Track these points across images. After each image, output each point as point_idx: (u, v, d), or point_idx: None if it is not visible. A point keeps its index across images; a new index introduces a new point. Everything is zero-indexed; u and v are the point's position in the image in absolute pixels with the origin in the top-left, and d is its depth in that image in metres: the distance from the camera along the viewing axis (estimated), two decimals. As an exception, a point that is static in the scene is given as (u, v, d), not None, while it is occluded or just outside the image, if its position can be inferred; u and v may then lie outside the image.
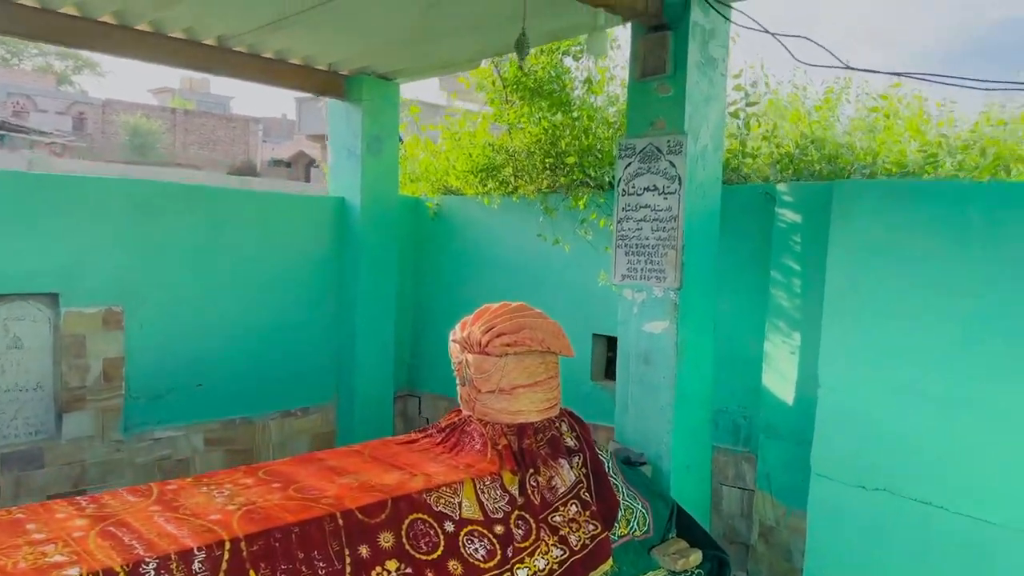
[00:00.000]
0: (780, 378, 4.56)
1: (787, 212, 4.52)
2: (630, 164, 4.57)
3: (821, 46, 4.14)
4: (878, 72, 4.13)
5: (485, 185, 6.70)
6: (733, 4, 4.48)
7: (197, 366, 5.76)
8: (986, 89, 3.84)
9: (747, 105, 5.21)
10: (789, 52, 4.21)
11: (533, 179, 5.96)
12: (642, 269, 4.52)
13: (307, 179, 32.62)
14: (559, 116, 6.13)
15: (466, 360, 3.88)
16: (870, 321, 3.70)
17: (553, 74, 6.22)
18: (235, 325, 5.99)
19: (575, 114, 5.77)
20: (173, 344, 5.63)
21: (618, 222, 4.62)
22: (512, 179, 6.47)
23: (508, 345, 3.77)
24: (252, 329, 6.10)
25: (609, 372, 5.86)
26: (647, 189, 4.48)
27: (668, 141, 4.36)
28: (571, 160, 5.48)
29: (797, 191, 4.52)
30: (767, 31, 4.26)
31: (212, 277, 5.85)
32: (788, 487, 4.45)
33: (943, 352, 3.44)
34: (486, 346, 3.78)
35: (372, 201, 6.66)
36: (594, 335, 5.79)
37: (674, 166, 4.36)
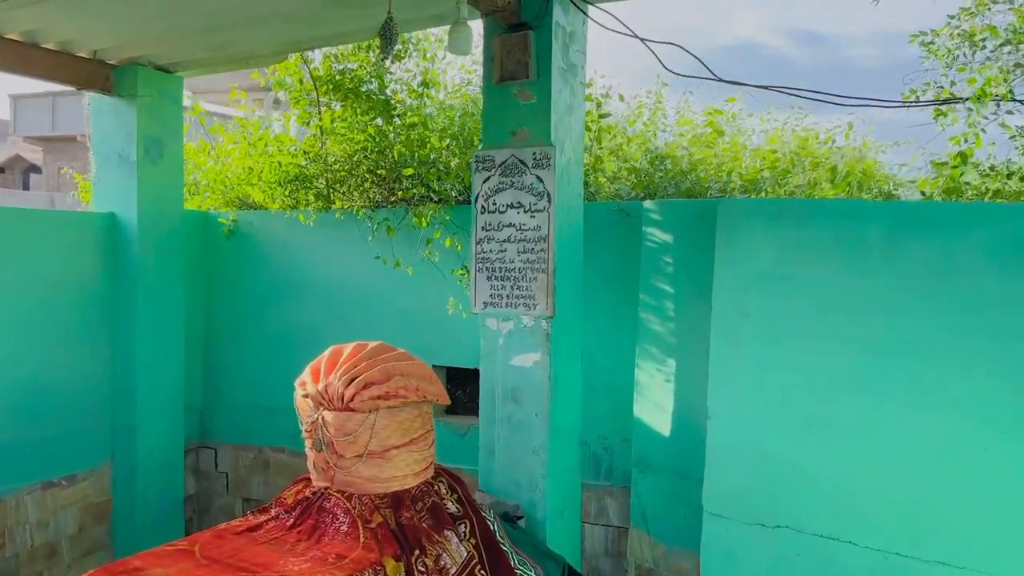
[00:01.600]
0: (654, 408, 4.32)
1: (656, 231, 4.31)
2: (489, 178, 4.10)
3: (692, 54, 3.95)
4: (744, 84, 3.96)
5: (295, 198, 5.87)
6: (592, 2, 4.16)
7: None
8: (848, 106, 3.83)
9: (600, 117, 4.93)
10: (660, 61, 4.00)
11: (360, 193, 5.27)
12: (508, 296, 4.07)
13: (25, 187, 28.50)
14: (382, 122, 5.51)
15: (322, 420, 3.14)
16: (762, 347, 3.55)
17: (373, 74, 5.58)
18: (-30, 381, 4.64)
19: (408, 120, 5.17)
20: None
21: (477, 243, 4.13)
22: (328, 192, 5.73)
23: (379, 398, 3.11)
24: (-5, 384, 4.77)
25: (455, 408, 5.35)
26: (511, 206, 4.04)
27: (534, 153, 3.96)
28: (409, 172, 4.89)
29: (668, 209, 4.33)
30: (636, 36, 4.00)
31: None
32: (668, 525, 4.22)
33: (842, 378, 3.35)
34: (351, 401, 3.09)
35: (152, 217, 5.59)
36: (434, 366, 5.23)
37: (542, 181, 3.96)
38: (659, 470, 4.29)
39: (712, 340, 3.70)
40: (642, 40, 3.96)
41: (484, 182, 4.12)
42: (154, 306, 5.59)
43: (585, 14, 4.14)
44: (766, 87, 3.96)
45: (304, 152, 5.70)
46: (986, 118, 3.91)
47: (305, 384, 3.26)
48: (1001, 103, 4.01)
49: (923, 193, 4.40)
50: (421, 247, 5.01)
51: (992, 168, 3.94)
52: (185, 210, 5.96)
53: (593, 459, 4.79)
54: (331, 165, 5.60)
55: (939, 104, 4.04)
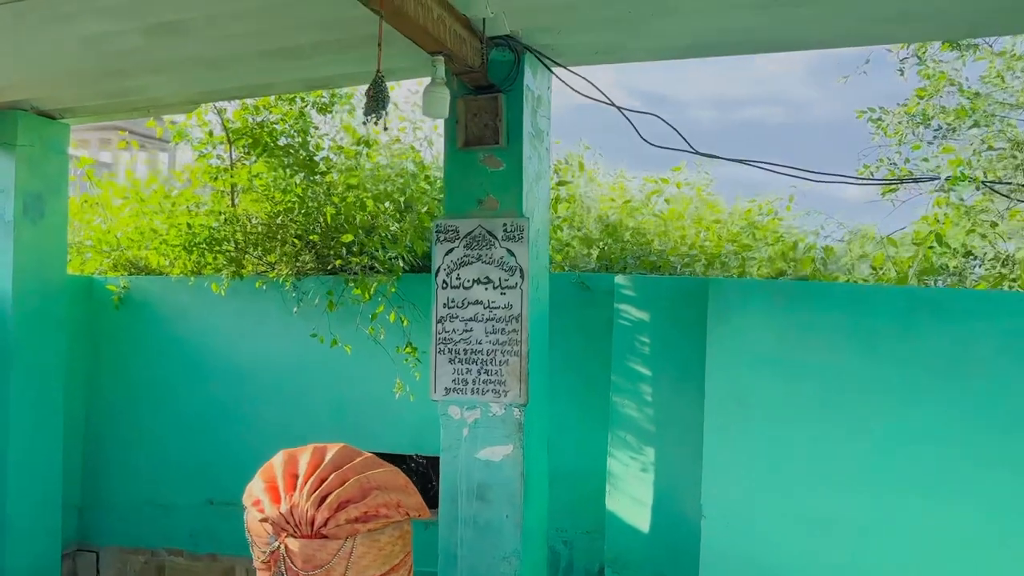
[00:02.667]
0: (631, 501, 4.01)
1: (631, 308, 4.08)
2: (453, 250, 3.75)
3: (670, 125, 3.77)
4: (719, 157, 3.82)
5: (199, 263, 5.25)
6: (554, 68, 3.93)
7: None
8: (827, 182, 3.75)
9: (559, 184, 4.68)
10: (637, 131, 3.79)
11: (288, 259, 4.74)
12: (474, 381, 3.71)
13: None
14: (301, 179, 5.07)
15: (285, 549, 2.59)
16: (763, 439, 3.35)
17: (297, 128, 5.13)
18: None
19: (345, 180, 4.75)
20: None
21: (438, 321, 3.75)
22: (240, 257, 5.15)
23: (357, 520, 2.61)
24: None
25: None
26: (478, 281, 3.70)
27: (505, 225, 3.66)
28: (348, 239, 4.43)
29: (645, 286, 4.13)
30: (614, 104, 3.79)
31: None
32: (648, 630, 3.86)
33: (853, 472, 3.17)
34: (323, 525, 2.57)
35: (29, 285, 4.87)
36: (378, 454, 4.73)
37: (514, 255, 3.66)
38: (637, 570, 3.95)
39: (706, 430, 3.45)
40: (619, 109, 3.75)
41: (447, 254, 3.76)
42: (29, 389, 4.83)
43: (552, 73, 3.92)
44: (742, 161, 3.82)
45: (217, 212, 5.08)
46: (962, 200, 3.96)
47: (261, 504, 2.69)
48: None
49: (874, 268, 4.40)
50: (362, 323, 4.55)
51: (969, 252, 3.98)
52: (67, 275, 5.18)
53: (550, 554, 4.39)
54: (248, 227, 5.02)
55: (910, 182, 4.06)
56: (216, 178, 5.38)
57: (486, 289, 3.65)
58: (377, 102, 2.65)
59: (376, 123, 2.62)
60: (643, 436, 4.05)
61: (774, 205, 5.28)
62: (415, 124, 5.57)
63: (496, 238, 3.65)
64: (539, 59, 3.75)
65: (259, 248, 5.18)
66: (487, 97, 3.65)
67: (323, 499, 2.63)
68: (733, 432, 3.44)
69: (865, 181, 4.31)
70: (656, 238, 4.90)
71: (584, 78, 3.71)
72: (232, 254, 5.15)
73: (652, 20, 3.37)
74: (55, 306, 4.97)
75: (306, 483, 2.70)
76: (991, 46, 4.49)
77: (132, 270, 5.66)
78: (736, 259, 4.52)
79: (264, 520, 2.67)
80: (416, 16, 2.94)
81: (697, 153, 3.82)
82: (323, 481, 2.71)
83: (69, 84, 4.49)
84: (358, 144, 5.05)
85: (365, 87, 2.72)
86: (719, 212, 5.70)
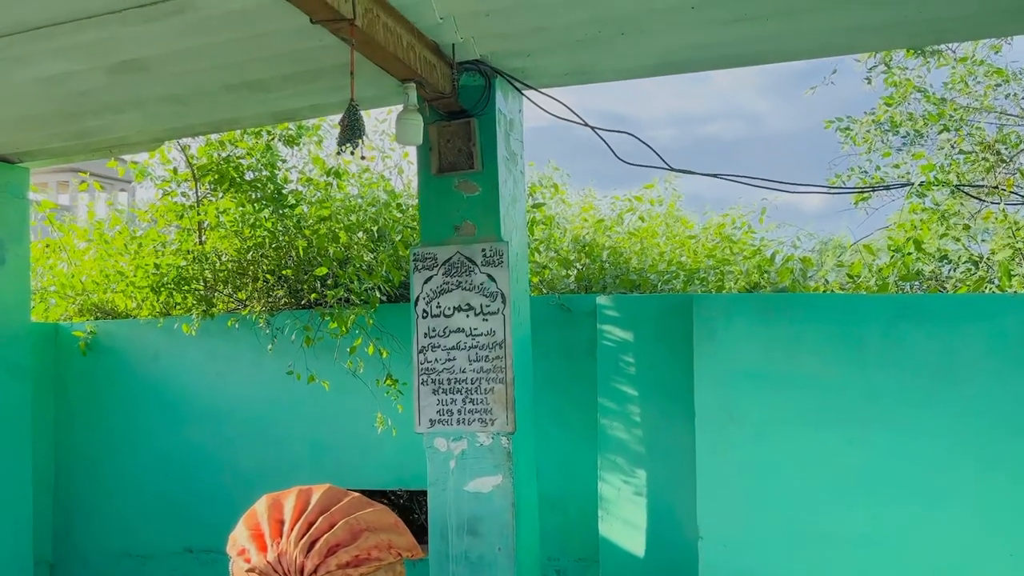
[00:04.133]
0: (625, 525, 3.95)
1: (615, 329, 4.05)
2: (432, 278, 3.70)
3: (646, 144, 3.77)
4: (695, 173, 3.81)
5: (168, 304, 5.12)
6: (525, 91, 3.92)
7: None
8: (801, 192, 3.77)
9: (533, 207, 4.66)
10: (612, 150, 3.78)
11: (261, 296, 4.64)
12: (460, 411, 3.64)
13: None
14: (270, 213, 4.99)
15: (274, 597, 2.46)
16: (756, 455, 3.34)
17: (264, 162, 5.05)
18: None
19: (316, 213, 4.67)
20: None
21: (420, 351, 3.69)
22: (210, 295, 5.04)
23: (348, 565, 2.47)
24: None
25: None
26: (459, 309, 3.65)
27: (484, 250, 3.62)
28: (322, 272, 4.35)
29: (628, 305, 4.12)
30: (587, 124, 3.77)
31: None
32: (650, 658, 3.77)
33: (850, 484, 3.15)
34: (314, 573, 2.43)
35: None
36: (361, 491, 4.60)
37: (494, 280, 3.61)
38: (634, 595, 3.87)
39: (698, 448, 3.41)
40: (593, 129, 3.74)
41: (425, 282, 3.71)
42: (-6, 443, 4.58)
43: (524, 96, 3.90)
44: (717, 175, 3.82)
45: (184, 251, 4.97)
46: (937, 204, 3.99)
47: (247, 553, 2.56)
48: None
49: (851, 277, 4.41)
50: (339, 357, 4.45)
51: (944, 256, 4.01)
52: (32, 323, 5.02)
53: (544, 584, 4.29)
54: (217, 264, 4.92)
55: (882, 189, 4.09)
56: (182, 216, 5.29)
57: (467, 316, 3.60)
58: (353, 131, 2.60)
59: (352, 152, 2.56)
60: (634, 458, 4.00)
61: (747, 218, 5.30)
62: (384, 153, 5.55)
63: (475, 264, 3.61)
64: (510, 82, 3.74)
65: (230, 285, 5.08)
66: (460, 123, 3.62)
67: (312, 544, 2.52)
68: (726, 449, 3.40)
69: (840, 190, 4.33)
70: (633, 256, 4.90)
71: (556, 99, 3.70)
72: (202, 293, 5.04)
73: (621, 40, 3.37)
74: (19, 354, 4.81)
75: (293, 528, 2.59)
76: (954, 52, 4.57)
77: (98, 314, 5.51)
78: (714, 274, 4.51)
79: (251, 570, 2.55)
80: (386, 43, 2.90)
81: (673, 170, 3.81)
82: (311, 525, 2.60)
83: (28, 127, 4.38)
84: (328, 175, 5.00)
85: (333, 117, 2.69)
86: (691, 227, 5.73)
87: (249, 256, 4.92)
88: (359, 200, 5.10)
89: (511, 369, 3.52)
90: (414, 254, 3.69)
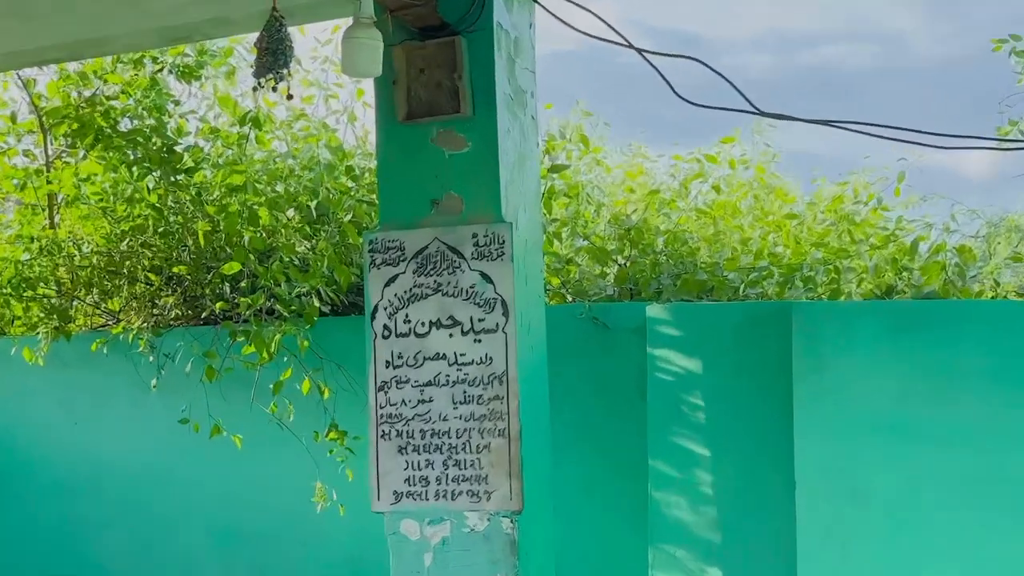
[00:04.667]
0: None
1: (673, 355, 4.20)
2: (396, 278, 3.82)
3: (721, 75, 3.84)
4: (798, 120, 3.84)
5: (5, 318, 5.31)
6: (538, -2, 4.01)
7: None
8: (956, 148, 3.84)
9: (551, 171, 4.75)
10: (670, 85, 3.84)
11: (140, 306, 4.86)
12: (439, 479, 3.69)
13: None
14: (157, 180, 5.11)
15: None
16: (888, 549, 3.47)
17: (148, 104, 5.14)
18: None
19: (223, 180, 4.86)
20: None
21: (380, 389, 3.77)
22: (65, 304, 5.22)
23: None
24: None
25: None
26: (437, 325, 3.75)
27: (476, 236, 3.70)
28: (232, 269, 4.42)
29: (691, 318, 4.24)
30: (630, 45, 3.85)
31: None
32: None
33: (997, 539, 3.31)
34: None
35: None
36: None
37: (491, 281, 3.70)
38: None
39: (800, 535, 3.54)
40: (641, 52, 3.78)
41: (387, 285, 3.77)
42: None
43: (537, 2, 3.95)
44: (831, 123, 3.84)
45: (27, 238, 5.16)
46: None
47: None
48: None
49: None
50: (259, 398, 4.57)
51: None
52: None
53: None
54: (77, 258, 5.03)
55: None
56: (24, 186, 5.41)
57: (451, 336, 3.64)
58: (276, 56, 2.67)
59: (275, 88, 2.60)
60: (703, 551, 4.08)
61: (876, 189, 5.31)
62: (327, 90, 5.61)
63: (463, 257, 3.64)
64: (515, -18, 3.79)
65: (95, 290, 5.21)
66: (439, 43, 3.66)
67: None
68: (843, 538, 3.48)
69: (1018, 143, 4.29)
70: (703, 245, 4.93)
71: (587, 8, 3.73)
72: (53, 301, 5.16)
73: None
74: None
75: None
76: None
77: None
78: (826, 271, 4.58)
79: None
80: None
81: (763, 114, 3.87)
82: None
83: None
84: (242, 124, 5.04)
85: (250, 38, 2.72)
86: (791, 201, 5.71)
87: (124, 246, 5.01)
88: (290, 162, 5.18)
89: (516, 415, 3.55)
90: (370, 242, 3.73)
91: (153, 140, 5.12)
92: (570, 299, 4.79)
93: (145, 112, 5.19)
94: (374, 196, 4.63)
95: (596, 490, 4.37)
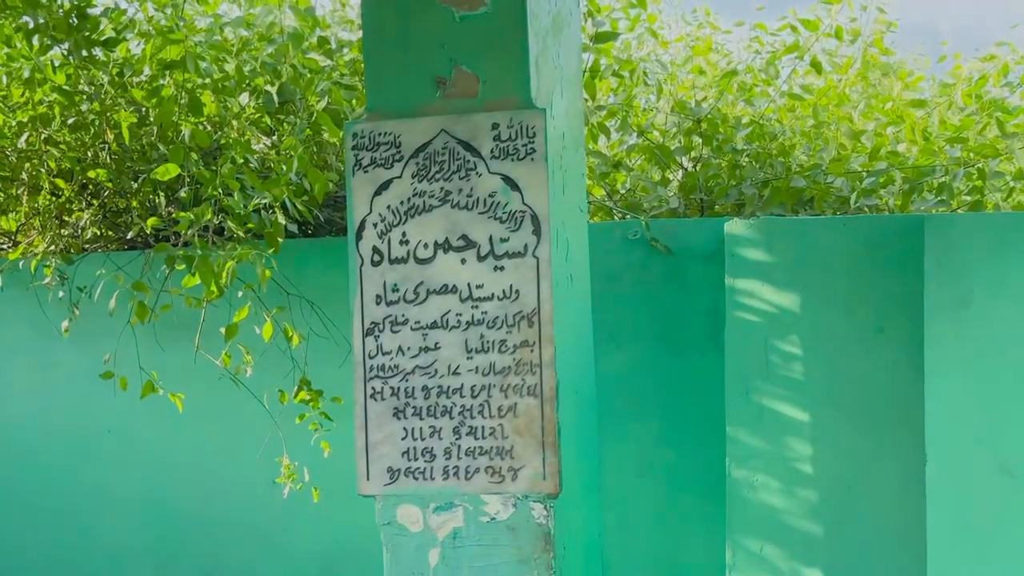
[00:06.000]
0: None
1: (760, 286, 4.23)
2: (390, 184, 3.86)
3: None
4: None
5: None
6: None
7: None
8: None
9: (596, 40, 4.75)
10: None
11: (45, 223, 5.05)
12: (447, 451, 3.77)
13: None
14: (64, 55, 5.19)
15: None
16: None
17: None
18: None
19: (155, 52, 4.86)
20: None
21: (368, 333, 3.82)
22: None
23: None
24: None
25: None
26: (445, 248, 3.78)
27: (497, 126, 3.70)
28: (168, 174, 4.41)
29: (786, 237, 4.27)
30: None
31: None
32: None
33: None
34: None
35: None
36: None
37: (517, 187, 3.73)
38: None
39: (930, 524, 3.57)
40: None
41: (377, 194, 3.82)
42: None
43: None
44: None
45: None
46: None
47: None
48: None
49: None
50: (205, 345, 4.66)
51: None
52: None
53: None
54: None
55: None
56: None
57: (464, 262, 3.71)
58: None
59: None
60: (798, 547, 4.18)
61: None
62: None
63: (479, 155, 3.69)
64: None
65: None
66: None
67: None
68: (985, 528, 3.54)
69: None
70: (801, 141, 4.96)
71: None
72: None
73: None
74: None
75: None
76: None
77: None
78: (967, 174, 4.62)
79: None
80: None
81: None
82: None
83: None
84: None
85: None
86: (915, 85, 5.69)
87: (22, 143, 5.06)
88: (243, 31, 5.18)
89: (551, 368, 3.61)
90: (354, 136, 3.78)
91: (59, 1, 5.16)
92: (620, 216, 4.85)
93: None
94: (358, 75, 4.62)
95: (656, 467, 4.48)
